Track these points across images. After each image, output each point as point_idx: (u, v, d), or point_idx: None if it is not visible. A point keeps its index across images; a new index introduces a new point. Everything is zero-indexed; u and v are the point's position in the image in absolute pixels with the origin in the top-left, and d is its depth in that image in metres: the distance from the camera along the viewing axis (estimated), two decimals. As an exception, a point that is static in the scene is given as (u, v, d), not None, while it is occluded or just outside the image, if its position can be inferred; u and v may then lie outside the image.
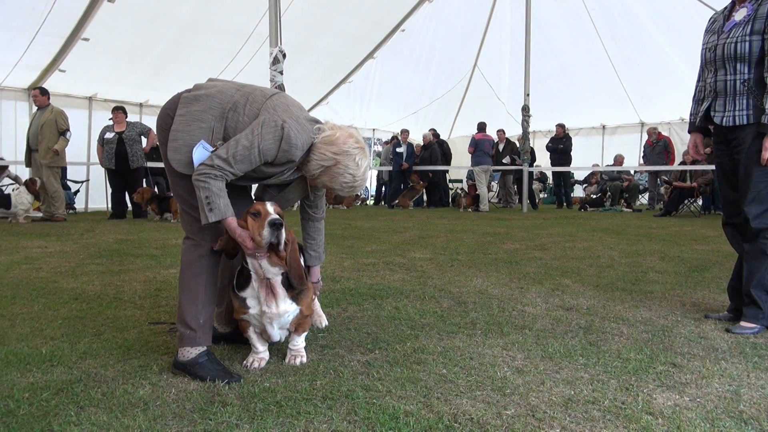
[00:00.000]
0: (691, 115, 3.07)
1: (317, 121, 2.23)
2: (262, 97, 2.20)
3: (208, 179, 2.03)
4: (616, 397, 1.87)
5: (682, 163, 11.74)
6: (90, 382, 2.01)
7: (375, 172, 17.76)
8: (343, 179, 2.17)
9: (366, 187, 19.86)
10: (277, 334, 2.22)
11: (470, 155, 13.17)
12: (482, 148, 12.85)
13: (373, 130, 18.50)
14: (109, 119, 10.38)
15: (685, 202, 10.91)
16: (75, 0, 9.89)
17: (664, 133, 13.78)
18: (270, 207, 2.12)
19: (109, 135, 9.55)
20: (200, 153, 2.10)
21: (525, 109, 12.65)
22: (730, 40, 2.76)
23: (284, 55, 7.68)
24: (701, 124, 2.99)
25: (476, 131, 13.34)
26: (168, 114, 2.23)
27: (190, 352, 2.10)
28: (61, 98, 10.99)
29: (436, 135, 15.07)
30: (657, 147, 13.04)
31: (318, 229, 2.49)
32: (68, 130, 8.79)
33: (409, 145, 14.50)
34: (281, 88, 7.56)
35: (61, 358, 2.26)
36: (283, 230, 2.05)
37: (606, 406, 1.80)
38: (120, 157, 9.48)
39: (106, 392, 1.91)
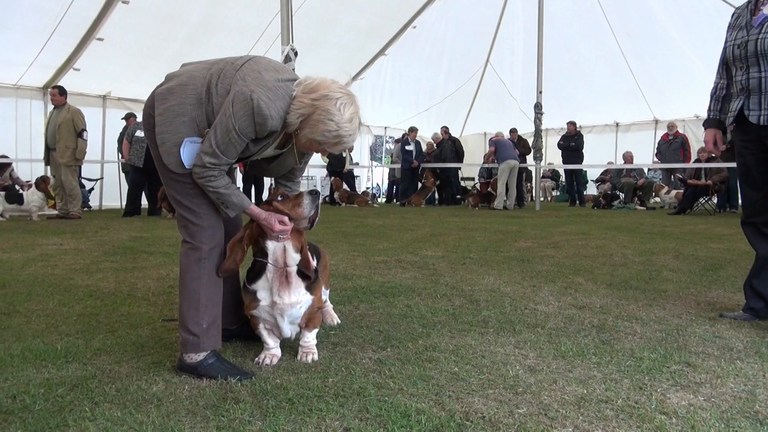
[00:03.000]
0: (709, 111, 2.96)
1: (296, 78, 2.04)
2: (233, 69, 2.00)
3: (208, 182, 1.99)
4: (629, 397, 1.86)
5: (697, 160, 11.60)
6: (104, 378, 2.03)
7: (386, 171, 17.71)
8: (325, 127, 1.94)
9: (377, 184, 19.84)
10: (287, 329, 2.21)
11: (493, 153, 12.95)
12: (505, 144, 12.66)
13: (385, 128, 18.47)
14: (122, 119, 10.51)
15: (700, 200, 10.79)
16: (90, 1, 9.99)
17: (680, 131, 13.61)
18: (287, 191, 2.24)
19: (139, 133, 9.58)
20: (189, 149, 2.01)
21: (537, 107, 12.54)
22: (764, 35, 2.62)
23: (296, 53, 7.67)
24: (732, 122, 2.83)
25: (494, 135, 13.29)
26: (149, 113, 2.10)
27: (197, 356, 2.06)
28: (76, 96, 11.09)
29: (447, 132, 15.01)
30: (674, 143, 12.85)
31: None
32: (85, 129, 8.90)
33: (417, 143, 14.45)
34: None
35: (76, 355, 2.28)
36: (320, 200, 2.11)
37: (619, 406, 1.79)
38: (150, 156, 9.54)
39: (120, 388, 1.93)
